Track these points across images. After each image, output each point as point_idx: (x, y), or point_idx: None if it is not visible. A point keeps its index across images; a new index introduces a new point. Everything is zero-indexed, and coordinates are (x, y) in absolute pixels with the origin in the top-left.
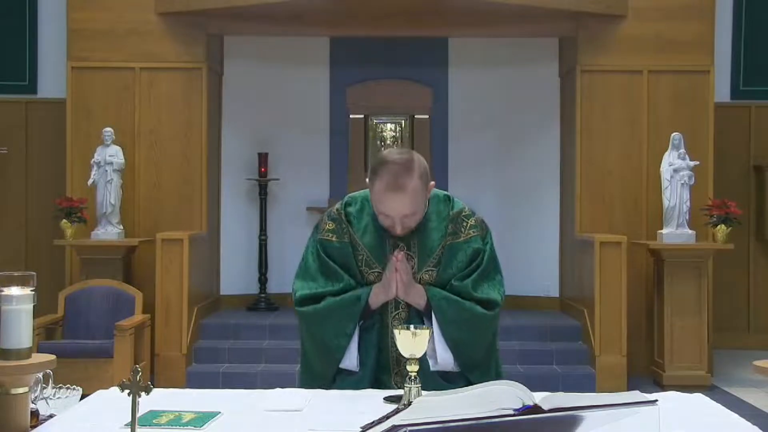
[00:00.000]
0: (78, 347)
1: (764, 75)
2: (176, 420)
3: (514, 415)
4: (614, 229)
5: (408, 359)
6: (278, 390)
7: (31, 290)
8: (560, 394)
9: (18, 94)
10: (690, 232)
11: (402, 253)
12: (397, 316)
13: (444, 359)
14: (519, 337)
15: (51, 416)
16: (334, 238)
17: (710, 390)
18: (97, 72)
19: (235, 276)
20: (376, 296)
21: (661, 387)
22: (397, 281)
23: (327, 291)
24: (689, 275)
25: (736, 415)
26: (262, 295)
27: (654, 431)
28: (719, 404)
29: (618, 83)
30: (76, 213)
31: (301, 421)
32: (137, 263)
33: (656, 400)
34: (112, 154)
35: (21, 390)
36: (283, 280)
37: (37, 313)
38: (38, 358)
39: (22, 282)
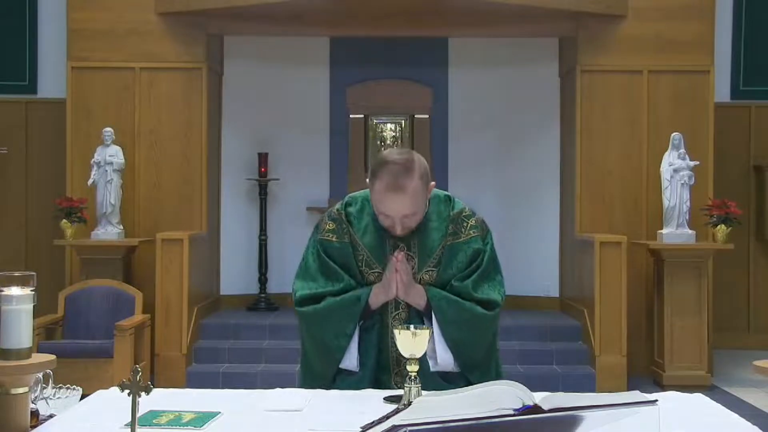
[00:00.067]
0: (78, 347)
1: (764, 75)
2: (176, 420)
3: (514, 415)
4: (614, 229)
5: (408, 359)
6: (278, 390)
7: (31, 290)
8: (560, 394)
9: (18, 94)
10: (690, 232)
11: (402, 253)
12: (397, 317)
13: (444, 360)
14: (519, 337)
15: (51, 416)
16: (334, 238)
17: (710, 390)
18: (97, 72)
19: (235, 276)
20: (376, 296)
21: (661, 387)
22: (397, 281)
23: (327, 291)
24: (689, 275)
25: (736, 415)
26: (262, 295)
27: (654, 431)
28: (719, 404)
29: (618, 83)
30: (76, 213)
31: (301, 421)
32: (137, 263)
33: (656, 400)
34: (112, 154)
35: (21, 390)
36: (283, 280)
37: (37, 313)
38: (38, 358)
39: (22, 282)
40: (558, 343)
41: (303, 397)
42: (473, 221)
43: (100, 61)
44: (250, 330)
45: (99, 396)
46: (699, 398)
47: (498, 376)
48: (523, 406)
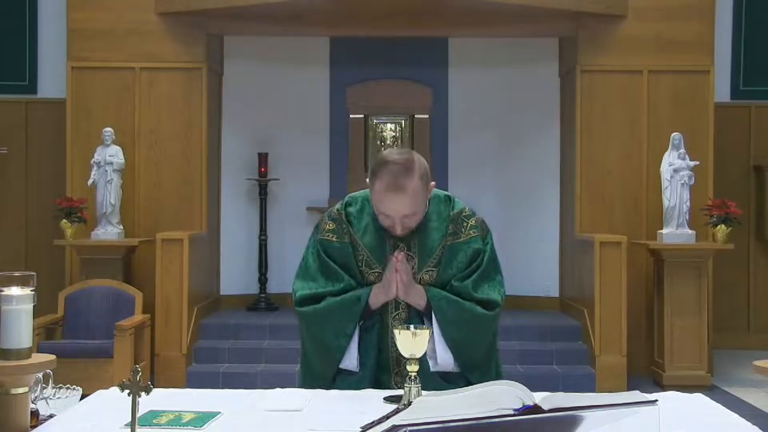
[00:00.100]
0: (78, 347)
1: (764, 75)
2: (176, 420)
3: (514, 415)
4: (614, 229)
5: (408, 359)
6: (278, 390)
7: (31, 290)
8: (560, 394)
9: (18, 94)
10: (690, 232)
11: (402, 253)
12: (397, 317)
13: (444, 360)
14: (519, 337)
15: (51, 416)
16: (334, 238)
17: (710, 390)
18: (97, 72)
19: (235, 276)
20: (376, 297)
21: (661, 387)
22: (397, 282)
23: (327, 291)
24: (689, 275)
25: (736, 415)
26: (262, 295)
27: (654, 431)
28: (719, 404)
29: (618, 83)
30: (76, 213)
31: (301, 421)
32: (137, 263)
33: (656, 400)
34: (112, 154)
35: (21, 390)
36: (283, 280)
37: (37, 313)
38: (38, 358)
39: (22, 282)
40: (558, 343)
41: (303, 397)
42: (473, 221)
43: (100, 61)
44: (250, 330)
45: (99, 396)
46: (699, 398)
47: (498, 376)
48: (523, 406)
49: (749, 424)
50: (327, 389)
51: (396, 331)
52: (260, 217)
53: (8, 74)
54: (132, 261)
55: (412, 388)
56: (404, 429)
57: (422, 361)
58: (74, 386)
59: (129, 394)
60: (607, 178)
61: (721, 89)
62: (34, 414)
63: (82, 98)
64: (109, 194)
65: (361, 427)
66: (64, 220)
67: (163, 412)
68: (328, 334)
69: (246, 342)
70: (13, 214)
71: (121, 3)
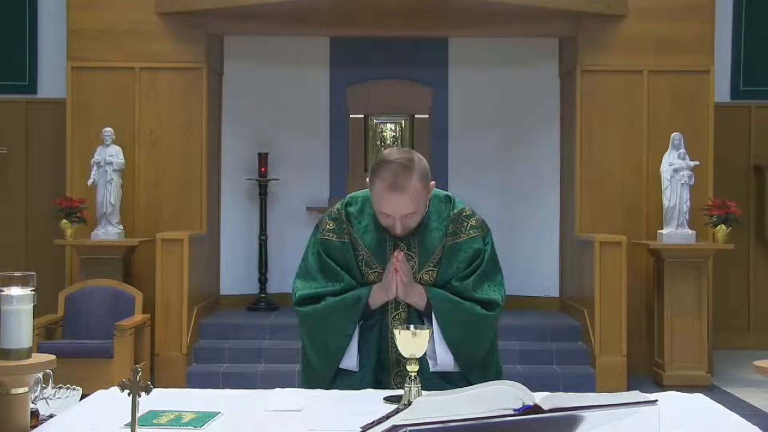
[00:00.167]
0: (78, 347)
1: (764, 75)
2: (176, 420)
3: (514, 415)
4: (614, 229)
5: (408, 359)
6: (278, 390)
7: (31, 290)
8: (560, 394)
9: (18, 94)
10: (690, 232)
11: (402, 253)
12: (397, 317)
13: (444, 360)
14: (519, 337)
15: (51, 416)
16: (334, 238)
17: (710, 390)
18: (97, 72)
19: (235, 276)
20: (376, 296)
21: (661, 387)
22: (396, 281)
23: (327, 291)
24: (689, 275)
25: (736, 415)
26: (262, 295)
27: (654, 431)
28: (719, 404)
29: (618, 83)
30: (76, 213)
31: (301, 421)
32: (137, 263)
33: (656, 400)
34: (112, 154)
35: (21, 390)
36: (283, 280)
37: (37, 313)
38: (38, 358)
39: (22, 282)
40: (558, 343)
41: (303, 397)
42: (473, 221)
43: (100, 61)
44: (250, 330)
45: (99, 396)
46: (699, 398)
47: (498, 376)
48: (523, 406)
49: (749, 424)
50: (327, 389)
51: (396, 332)
52: (260, 217)
53: (8, 74)
54: (132, 261)
55: (412, 388)
56: (404, 429)
57: (422, 361)
58: (74, 386)
59: (129, 394)
60: (607, 178)
61: (721, 89)
62: (34, 414)
63: (82, 98)
64: (109, 194)
65: (361, 427)
66: (64, 220)
67: (163, 412)
68: (328, 334)
69: (246, 342)
70: (13, 214)
71: (121, 3)
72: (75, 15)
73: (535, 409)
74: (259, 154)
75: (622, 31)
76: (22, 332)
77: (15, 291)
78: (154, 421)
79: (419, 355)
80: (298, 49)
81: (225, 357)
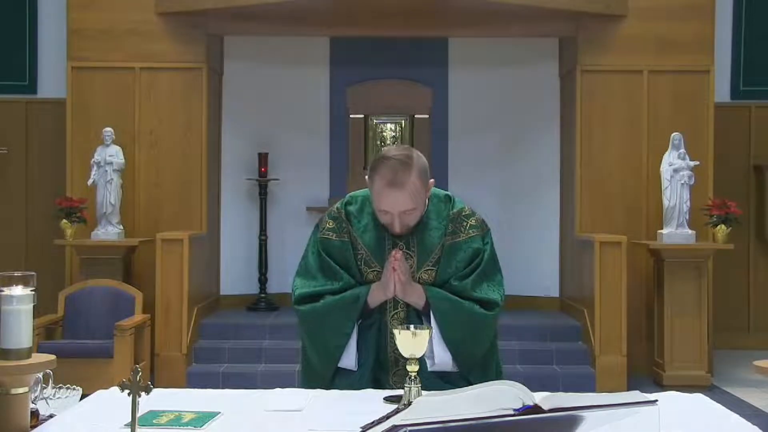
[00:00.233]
0: (78, 347)
1: (764, 75)
2: (176, 420)
3: (514, 415)
4: (614, 229)
5: (408, 359)
6: (278, 390)
7: (31, 290)
8: (560, 394)
9: (18, 94)
10: (690, 232)
11: (399, 252)
12: (395, 316)
13: (442, 359)
14: (519, 337)
15: (51, 416)
16: (334, 237)
17: (710, 390)
18: (97, 72)
19: (235, 276)
20: (375, 295)
21: (661, 387)
22: (394, 280)
23: (326, 289)
24: (689, 275)
25: (736, 415)
26: (262, 295)
27: (654, 431)
28: (719, 404)
29: (618, 83)
30: (76, 213)
31: (301, 421)
32: (137, 263)
33: (656, 400)
34: (112, 154)
35: (21, 390)
36: (283, 280)
37: (37, 313)
38: (38, 358)
39: (22, 282)
40: (558, 343)
41: (303, 397)
42: (473, 221)
43: (100, 61)
44: (250, 330)
45: (99, 396)
46: (699, 398)
47: (498, 376)
48: (523, 406)
49: (749, 424)
50: (327, 389)
51: (396, 331)
52: (260, 217)
53: (8, 74)
54: (132, 261)
55: (412, 388)
56: (404, 429)
57: (420, 360)
58: (74, 386)
59: (129, 394)
60: (607, 178)
61: (721, 89)
62: (34, 414)
63: (82, 98)
64: (109, 194)
65: (361, 427)
66: (64, 220)
67: (163, 412)
68: (327, 333)
69: (246, 342)
70: (13, 214)
71: (121, 3)
72: (75, 15)
73: (535, 409)
74: (259, 154)
75: (622, 31)
76: (22, 332)
77: (15, 291)
78: (154, 421)
79: (419, 355)
80: (298, 49)
81: (225, 357)
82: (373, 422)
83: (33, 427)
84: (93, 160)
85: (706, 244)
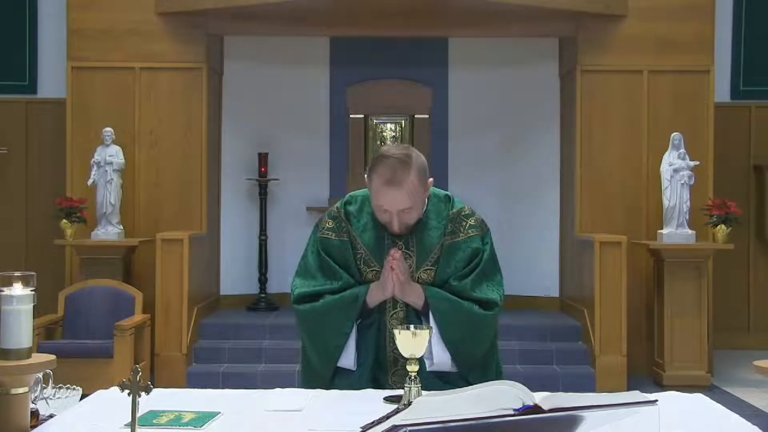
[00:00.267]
0: (78, 347)
1: (764, 75)
2: (176, 420)
3: (514, 415)
4: (614, 229)
5: (408, 359)
6: (278, 390)
7: (31, 290)
8: (560, 394)
9: (18, 94)
10: (690, 232)
11: (398, 251)
12: (395, 316)
13: (441, 359)
14: (519, 337)
15: (51, 416)
16: (333, 236)
17: (710, 390)
18: (97, 72)
19: (235, 276)
20: (374, 295)
21: (661, 387)
22: (393, 280)
23: (325, 289)
24: (689, 275)
25: (736, 415)
26: (262, 295)
27: (654, 431)
28: (719, 404)
29: (618, 83)
30: (76, 213)
31: (301, 421)
32: (137, 263)
33: (656, 400)
34: (112, 154)
35: (21, 390)
36: (283, 280)
37: (37, 313)
38: (38, 358)
39: (22, 282)
40: (558, 343)
41: (303, 397)
42: (472, 220)
43: (100, 61)
44: (250, 330)
45: (99, 396)
46: (699, 398)
47: (498, 376)
48: (523, 406)
49: (749, 424)
50: (327, 389)
51: (396, 332)
52: (260, 217)
53: (8, 74)
54: (132, 261)
55: (412, 388)
56: (404, 429)
57: (420, 360)
58: (74, 386)
59: (129, 394)
60: (607, 178)
61: (721, 89)
62: (34, 414)
63: (82, 98)
64: (109, 194)
65: (361, 427)
66: (64, 220)
67: (163, 412)
68: (326, 332)
69: (246, 342)
70: (13, 214)
71: (121, 3)
72: (75, 15)
73: (535, 409)
74: (259, 154)
75: (622, 31)
76: (22, 332)
77: (15, 291)
78: (154, 421)
79: (419, 355)
80: (298, 49)
81: (225, 357)
82: (373, 422)
83: (33, 427)
84: (93, 160)
85: (706, 244)
